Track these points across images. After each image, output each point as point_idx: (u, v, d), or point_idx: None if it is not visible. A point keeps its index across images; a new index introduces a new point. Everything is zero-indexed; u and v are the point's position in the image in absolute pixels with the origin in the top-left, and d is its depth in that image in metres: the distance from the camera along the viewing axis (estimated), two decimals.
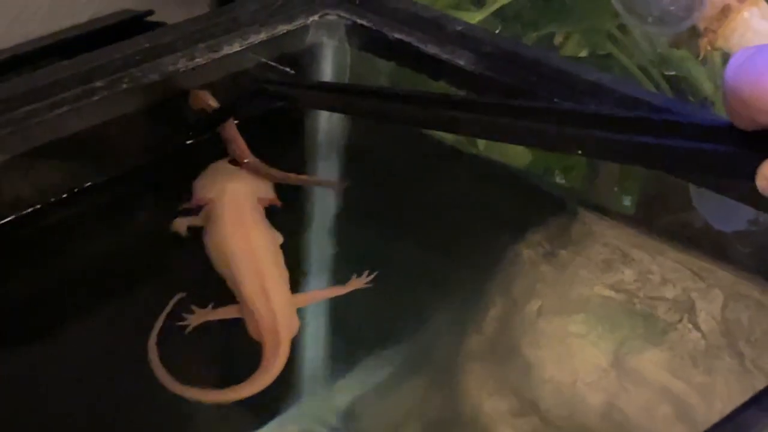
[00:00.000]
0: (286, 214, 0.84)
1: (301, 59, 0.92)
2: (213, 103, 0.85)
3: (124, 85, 0.81)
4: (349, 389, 0.75)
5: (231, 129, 0.86)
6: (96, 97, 0.80)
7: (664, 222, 0.86)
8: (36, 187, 0.81)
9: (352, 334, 0.79)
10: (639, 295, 0.77)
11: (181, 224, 0.82)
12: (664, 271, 0.78)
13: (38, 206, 0.82)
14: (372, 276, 0.79)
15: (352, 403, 0.74)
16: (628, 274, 0.79)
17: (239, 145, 0.85)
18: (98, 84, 0.80)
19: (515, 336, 0.76)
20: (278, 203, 0.84)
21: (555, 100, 0.76)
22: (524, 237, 0.82)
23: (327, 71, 0.92)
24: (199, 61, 0.85)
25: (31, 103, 0.78)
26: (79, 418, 0.69)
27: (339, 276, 0.80)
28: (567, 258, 0.80)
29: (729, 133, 0.48)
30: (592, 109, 0.60)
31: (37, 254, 0.81)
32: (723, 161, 0.49)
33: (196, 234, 0.81)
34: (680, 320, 0.75)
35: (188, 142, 0.89)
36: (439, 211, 0.87)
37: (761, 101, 0.44)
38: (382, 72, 0.93)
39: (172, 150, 0.88)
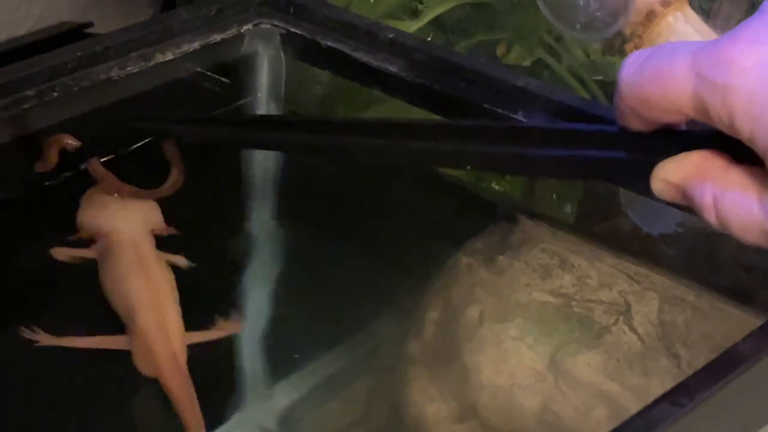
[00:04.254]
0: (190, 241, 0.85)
1: (236, 68, 0.94)
2: (73, 142, 0.87)
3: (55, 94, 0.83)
4: (288, 394, 0.78)
5: (97, 166, 0.87)
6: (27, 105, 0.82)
7: (601, 227, 0.90)
8: None
9: (293, 338, 0.81)
10: (576, 299, 0.80)
11: (62, 253, 0.82)
12: (601, 275, 0.81)
13: None
14: (240, 321, 0.80)
15: (291, 408, 0.77)
16: (566, 279, 0.81)
17: (110, 180, 0.86)
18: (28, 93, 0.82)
19: (454, 341, 0.78)
20: (173, 231, 0.84)
21: (485, 105, 0.80)
22: (463, 244, 0.85)
23: (262, 80, 0.94)
24: (131, 69, 0.86)
25: None
26: None
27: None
28: (506, 264, 0.83)
29: (621, 137, 0.50)
30: (483, 124, 0.63)
31: None
32: (617, 167, 0.52)
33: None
34: (616, 323, 0.78)
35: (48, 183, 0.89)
36: (377, 219, 0.90)
37: (666, 99, 0.46)
38: (319, 81, 0.97)
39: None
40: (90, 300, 0.80)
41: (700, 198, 0.47)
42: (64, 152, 0.87)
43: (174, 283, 0.80)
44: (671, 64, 0.46)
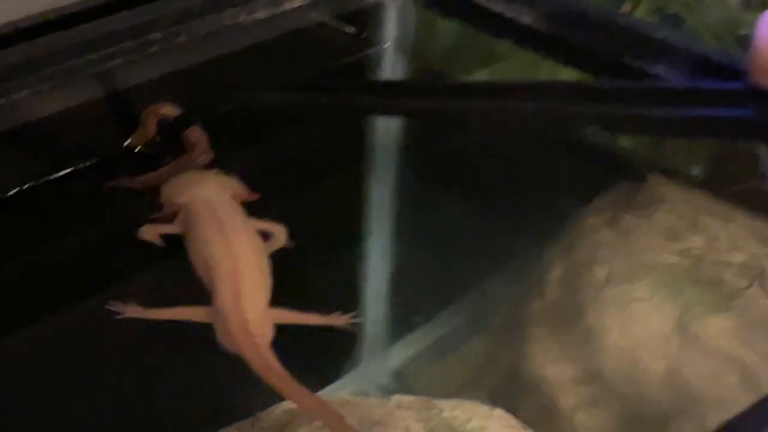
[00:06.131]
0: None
1: (364, 17, 0.94)
2: (172, 111, 0.87)
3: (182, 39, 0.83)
4: (404, 352, 0.78)
5: (197, 132, 0.87)
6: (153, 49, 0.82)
7: (733, 188, 0.88)
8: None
9: (409, 296, 0.81)
10: (705, 261, 0.78)
11: (150, 232, 0.82)
12: (732, 237, 0.79)
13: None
14: (355, 318, 0.77)
15: (407, 366, 0.77)
16: (695, 240, 0.79)
17: (202, 147, 0.87)
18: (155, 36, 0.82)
19: (578, 302, 0.77)
20: (255, 197, 0.83)
21: (623, 59, 0.77)
22: (587, 203, 0.84)
23: (389, 30, 0.94)
24: (258, 15, 0.86)
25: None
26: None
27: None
28: (632, 224, 0.81)
29: (750, 95, 0.49)
30: (604, 84, 0.61)
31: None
32: (745, 125, 0.50)
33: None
34: (749, 286, 0.76)
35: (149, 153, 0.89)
36: (500, 176, 0.90)
37: None
38: (446, 33, 0.96)
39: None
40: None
41: None
42: (162, 122, 0.88)
43: (261, 252, 0.78)
44: None
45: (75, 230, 0.84)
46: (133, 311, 0.76)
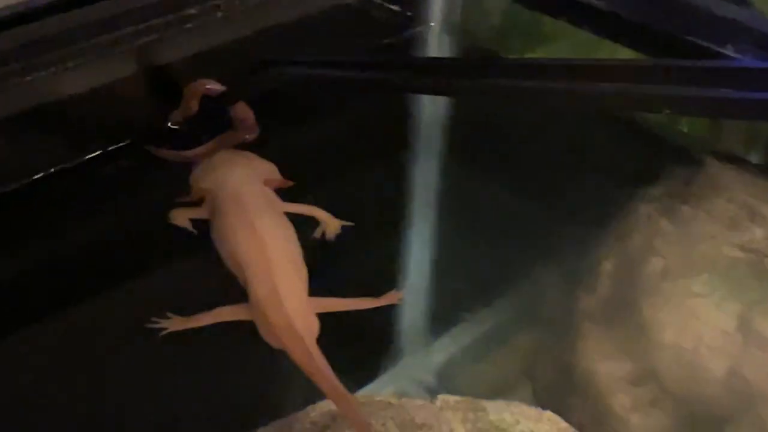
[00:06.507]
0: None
1: None
2: (216, 87, 0.85)
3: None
4: (448, 349, 0.75)
5: (243, 108, 0.85)
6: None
7: None
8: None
9: (455, 289, 0.79)
10: None
11: (180, 216, 0.79)
12: None
13: None
14: (401, 295, 0.75)
15: (450, 364, 0.75)
16: (756, 233, 0.76)
17: (250, 123, 0.85)
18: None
19: (632, 296, 0.74)
20: (289, 183, 0.81)
21: (689, 38, 0.75)
22: (642, 191, 0.81)
23: (436, 9, 0.91)
24: None
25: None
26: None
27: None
28: (689, 214, 0.78)
29: None
30: (664, 62, 0.59)
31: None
32: None
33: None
34: None
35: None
36: (550, 160, 0.87)
37: None
38: (495, 11, 0.93)
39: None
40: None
41: None
42: (205, 99, 0.86)
43: (292, 239, 0.75)
44: None
45: (106, 213, 0.83)
46: (176, 324, 0.73)
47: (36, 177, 0.83)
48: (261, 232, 0.73)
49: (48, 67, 0.74)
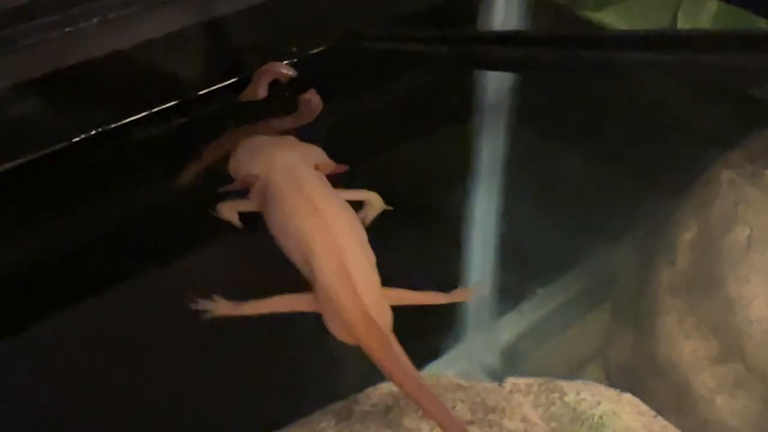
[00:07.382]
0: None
1: None
2: (288, 72, 0.83)
3: None
4: (514, 328, 0.72)
5: (313, 97, 0.82)
6: None
7: None
8: None
9: (521, 264, 0.76)
10: None
11: (228, 210, 0.75)
12: None
13: None
14: (479, 289, 0.72)
15: (516, 344, 0.72)
16: None
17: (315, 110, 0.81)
18: None
19: (715, 268, 0.71)
20: (342, 168, 0.76)
21: None
22: (723, 155, 0.78)
23: None
24: None
25: None
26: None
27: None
28: None
29: None
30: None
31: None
32: None
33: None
34: None
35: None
36: (626, 128, 0.84)
37: None
38: None
39: None
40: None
41: None
42: (275, 83, 0.84)
43: (359, 225, 0.70)
44: None
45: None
46: (223, 309, 0.68)
47: (76, 140, 0.80)
48: (326, 214, 0.68)
49: (90, 18, 0.71)
